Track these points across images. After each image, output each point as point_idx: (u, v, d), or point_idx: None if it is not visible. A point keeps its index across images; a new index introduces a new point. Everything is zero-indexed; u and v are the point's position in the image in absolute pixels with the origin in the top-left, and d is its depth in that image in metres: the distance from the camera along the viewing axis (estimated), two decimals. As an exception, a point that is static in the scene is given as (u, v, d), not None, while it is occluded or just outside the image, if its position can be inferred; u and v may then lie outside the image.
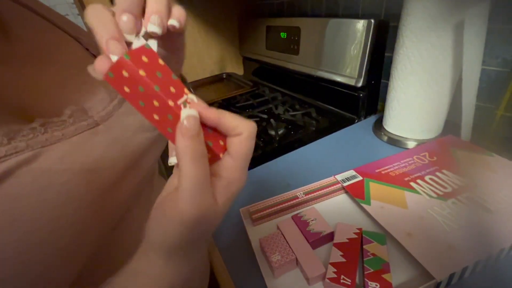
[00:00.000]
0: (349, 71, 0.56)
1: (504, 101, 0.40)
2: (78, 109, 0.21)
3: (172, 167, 0.24)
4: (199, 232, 0.17)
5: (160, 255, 0.17)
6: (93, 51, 0.29)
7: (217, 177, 0.17)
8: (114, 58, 0.15)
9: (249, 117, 0.67)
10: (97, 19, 0.15)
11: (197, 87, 0.94)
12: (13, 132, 0.16)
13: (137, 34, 0.17)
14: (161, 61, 0.17)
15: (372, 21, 0.49)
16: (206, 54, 0.96)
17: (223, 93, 0.86)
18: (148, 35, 0.18)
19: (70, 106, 0.20)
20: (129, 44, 0.17)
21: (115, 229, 0.22)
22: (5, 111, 0.17)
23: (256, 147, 0.54)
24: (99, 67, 0.15)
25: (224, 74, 1.02)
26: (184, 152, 0.15)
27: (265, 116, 0.66)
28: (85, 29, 0.30)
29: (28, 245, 0.15)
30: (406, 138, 0.48)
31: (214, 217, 0.17)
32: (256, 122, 0.64)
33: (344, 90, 0.60)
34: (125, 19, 0.16)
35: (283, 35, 0.73)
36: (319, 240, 0.31)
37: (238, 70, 1.06)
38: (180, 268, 0.18)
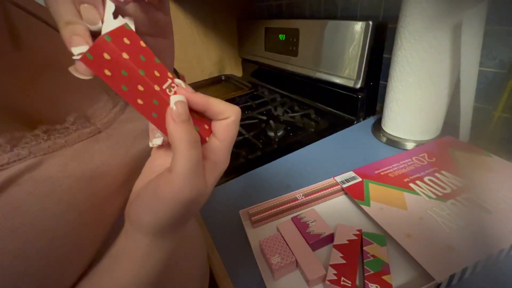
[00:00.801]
0: (347, 73, 0.57)
1: (501, 102, 0.40)
2: (81, 116, 0.21)
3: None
4: (189, 212, 0.18)
5: (148, 235, 0.18)
6: None
7: (205, 160, 0.18)
8: (77, 51, 0.14)
9: (248, 118, 0.67)
10: (56, 8, 0.15)
11: (196, 88, 0.93)
12: (16, 139, 0.16)
13: (116, 16, 0.16)
14: (142, 43, 0.16)
15: (370, 22, 0.50)
16: (205, 56, 0.97)
17: (222, 95, 0.86)
18: (118, 14, 0.16)
19: (73, 113, 0.21)
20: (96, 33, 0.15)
21: (114, 233, 0.22)
22: (9, 118, 0.17)
23: (255, 148, 0.54)
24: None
25: (223, 76, 1.02)
26: (179, 137, 0.15)
27: (264, 117, 0.66)
28: None
29: (27, 254, 0.15)
30: (405, 139, 0.48)
31: (204, 198, 0.18)
32: (255, 123, 0.64)
33: (343, 92, 0.60)
34: (85, 8, 0.15)
35: (281, 36, 0.73)
36: (319, 241, 0.31)
37: (237, 71, 1.06)
38: (166, 244, 0.19)
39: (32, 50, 0.21)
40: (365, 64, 0.53)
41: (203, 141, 0.18)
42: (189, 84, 0.19)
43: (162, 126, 0.17)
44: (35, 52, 0.22)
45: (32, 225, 0.15)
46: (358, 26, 0.51)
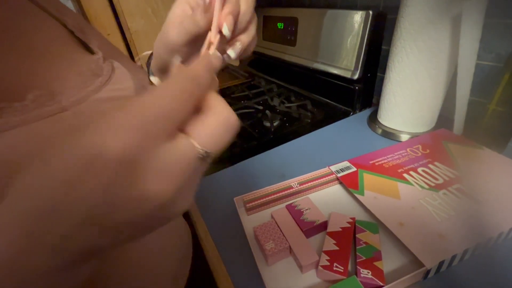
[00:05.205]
0: (345, 63, 0.56)
1: (496, 95, 0.40)
2: (43, 93, 0.19)
3: None
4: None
5: None
6: (78, 34, 0.26)
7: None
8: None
9: (244, 108, 0.66)
10: None
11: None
12: None
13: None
14: None
15: (370, 12, 0.49)
16: (201, 44, 0.94)
17: (219, 84, 0.84)
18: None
19: (34, 91, 0.18)
20: None
21: None
22: None
23: (251, 138, 0.54)
24: None
25: (219, 65, 1.01)
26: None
27: (260, 107, 0.65)
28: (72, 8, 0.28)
29: None
30: (400, 131, 0.48)
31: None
32: (251, 113, 0.64)
33: (340, 83, 0.60)
34: None
35: (280, 25, 0.72)
36: (312, 229, 0.31)
37: (234, 61, 1.04)
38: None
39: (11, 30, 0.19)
40: (364, 54, 0.53)
41: None
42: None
43: None
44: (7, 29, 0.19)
45: None
46: (358, 15, 0.51)
